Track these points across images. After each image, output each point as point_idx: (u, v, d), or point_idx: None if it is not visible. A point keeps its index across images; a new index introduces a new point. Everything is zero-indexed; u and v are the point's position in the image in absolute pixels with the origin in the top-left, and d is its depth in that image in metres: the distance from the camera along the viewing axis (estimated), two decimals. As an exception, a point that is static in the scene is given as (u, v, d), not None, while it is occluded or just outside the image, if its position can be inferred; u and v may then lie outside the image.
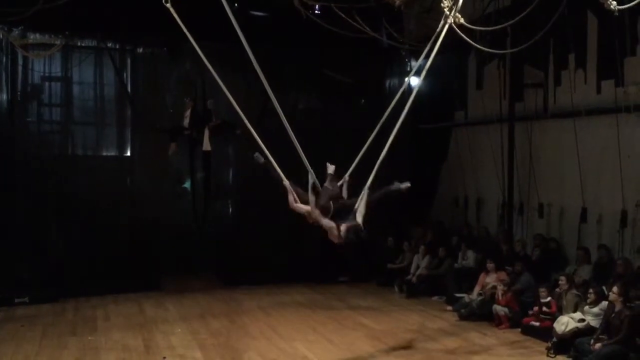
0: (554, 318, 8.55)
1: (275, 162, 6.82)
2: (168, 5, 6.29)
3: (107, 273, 11.68)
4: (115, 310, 10.65)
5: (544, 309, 8.83)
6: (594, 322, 8.01)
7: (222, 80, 6.71)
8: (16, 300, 10.86)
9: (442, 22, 6.77)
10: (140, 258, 12.15)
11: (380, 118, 7.15)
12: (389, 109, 7.15)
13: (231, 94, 6.75)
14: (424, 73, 7.20)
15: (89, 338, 8.97)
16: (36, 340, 8.79)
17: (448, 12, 6.68)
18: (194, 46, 6.52)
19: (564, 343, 8.06)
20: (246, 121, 6.71)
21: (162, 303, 11.19)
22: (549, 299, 8.87)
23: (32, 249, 11.54)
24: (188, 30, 6.44)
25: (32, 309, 10.62)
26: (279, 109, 6.42)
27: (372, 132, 7.15)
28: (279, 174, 6.79)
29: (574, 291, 8.62)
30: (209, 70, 6.66)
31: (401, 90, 7.40)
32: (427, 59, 6.77)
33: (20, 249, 11.41)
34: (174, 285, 12.22)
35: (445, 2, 6.75)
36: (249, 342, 8.82)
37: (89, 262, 11.64)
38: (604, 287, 8.24)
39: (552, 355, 8.07)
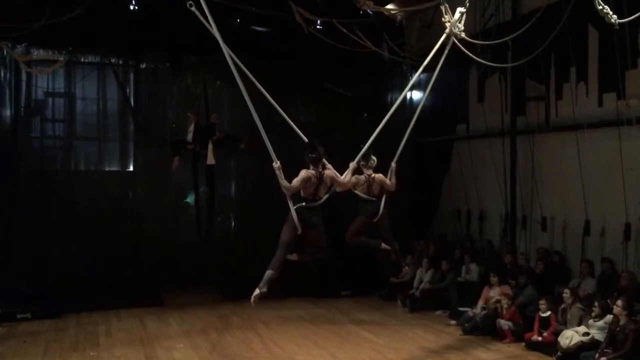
0: (555, 332, 8.51)
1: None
2: (193, 8, 6.05)
3: (109, 288, 11.66)
4: (117, 326, 10.60)
5: (541, 331, 8.80)
6: (598, 336, 7.95)
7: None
8: (18, 316, 10.78)
9: (444, 35, 6.83)
10: (142, 273, 12.15)
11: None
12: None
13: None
14: (429, 87, 7.25)
15: (91, 354, 8.91)
16: (38, 357, 8.73)
17: (449, 25, 6.75)
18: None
19: (569, 357, 8.00)
20: (264, 134, 6.25)
21: (164, 318, 11.13)
22: (548, 313, 8.81)
23: (34, 264, 11.54)
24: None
25: (34, 324, 10.56)
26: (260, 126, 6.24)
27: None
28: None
29: (579, 305, 8.57)
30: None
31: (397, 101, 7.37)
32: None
33: (22, 265, 11.41)
34: (176, 300, 12.17)
35: (446, 17, 6.82)
36: (251, 357, 8.77)
37: (91, 277, 11.63)
38: (608, 301, 8.20)
39: (557, 370, 8.03)
